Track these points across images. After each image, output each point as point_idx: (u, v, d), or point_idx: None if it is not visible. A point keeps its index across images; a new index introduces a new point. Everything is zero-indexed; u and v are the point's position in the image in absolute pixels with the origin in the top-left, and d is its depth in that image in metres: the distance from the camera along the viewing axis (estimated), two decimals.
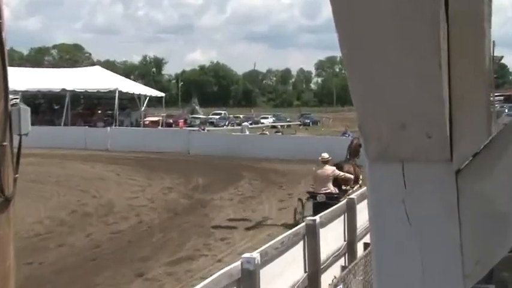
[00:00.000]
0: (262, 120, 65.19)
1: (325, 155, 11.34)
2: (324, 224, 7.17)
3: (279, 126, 32.25)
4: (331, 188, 11.22)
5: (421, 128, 0.79)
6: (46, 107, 39.99)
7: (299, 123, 62.94)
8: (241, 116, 72.31)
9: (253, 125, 56.74)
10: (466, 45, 0.80)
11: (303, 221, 7.43)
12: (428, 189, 0.83)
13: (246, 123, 37.55)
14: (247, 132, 30.79)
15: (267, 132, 29.32)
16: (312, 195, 11.25)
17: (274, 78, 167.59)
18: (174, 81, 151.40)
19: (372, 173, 0.85)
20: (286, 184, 17.56)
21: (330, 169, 11.34)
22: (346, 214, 8.26)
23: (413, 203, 0.83)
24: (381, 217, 0.85)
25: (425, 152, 0.81)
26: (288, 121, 65.32)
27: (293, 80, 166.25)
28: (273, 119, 68.49)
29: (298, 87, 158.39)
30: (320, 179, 11.27)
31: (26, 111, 3.25)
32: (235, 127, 48.14)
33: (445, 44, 0.76)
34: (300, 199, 11.63)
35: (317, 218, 7.09)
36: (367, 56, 0.75)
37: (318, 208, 9.80)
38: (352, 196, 9.03)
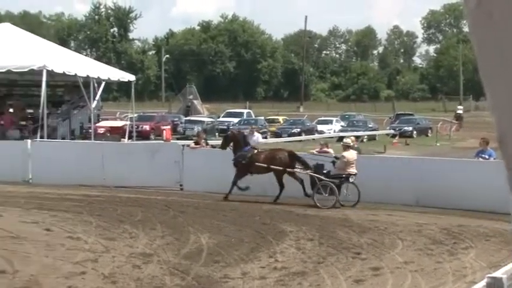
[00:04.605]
0: (320, 127, 64.97)
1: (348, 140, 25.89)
2: None
3: (352, 139, 32.04)
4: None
5: None
6: None
7: (391, 132, 62.71)
8: (280, 118, 72.32)
9: (303, 136, 56.74)
10: None
11: None
12: None
13: (257, 135, 34.57)
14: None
15: (330, 150, 29.34)
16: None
17: (344, 47, 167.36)
18: (152, 52, 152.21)
19: None
20: (367, 249, 17.57)
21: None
22: None
23: None
24: None
25: None
26: (371, 128, 65.20)
27: (380, 49, 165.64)
28: (342, 123, 68.42)
29: (389, 64, 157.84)
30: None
31: None
32: (271, 140, 48.05)
33: None
34: None
35: None
36: None
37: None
38: (496, 275, 8.99)
